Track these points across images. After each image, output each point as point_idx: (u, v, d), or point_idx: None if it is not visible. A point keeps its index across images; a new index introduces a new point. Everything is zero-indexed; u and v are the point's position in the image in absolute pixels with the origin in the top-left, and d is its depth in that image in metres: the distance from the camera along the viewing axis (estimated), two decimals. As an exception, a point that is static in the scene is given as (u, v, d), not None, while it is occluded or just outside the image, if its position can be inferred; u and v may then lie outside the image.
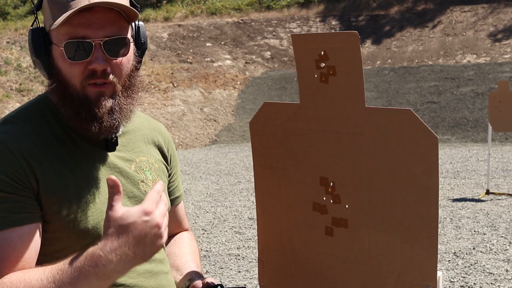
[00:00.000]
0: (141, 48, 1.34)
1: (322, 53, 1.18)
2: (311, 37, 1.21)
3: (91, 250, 1.07)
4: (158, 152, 1.47)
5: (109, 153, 1.32)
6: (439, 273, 1.12)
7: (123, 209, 1.07)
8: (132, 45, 1.30)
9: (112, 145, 1.32)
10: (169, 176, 1.51)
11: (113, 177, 1.06)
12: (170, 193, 1.52)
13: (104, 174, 1.29)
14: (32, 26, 1.29)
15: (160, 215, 1.08)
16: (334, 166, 1.24)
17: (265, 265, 1.42)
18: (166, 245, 1.54)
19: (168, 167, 1.50)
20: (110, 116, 1.25)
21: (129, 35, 1.28)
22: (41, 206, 1.22)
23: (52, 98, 1.30)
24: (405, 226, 1.13)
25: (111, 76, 1.24)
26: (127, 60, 1.27)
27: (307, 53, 1.22)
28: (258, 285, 1.43)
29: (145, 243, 1.06)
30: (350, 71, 1.16)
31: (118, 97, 1.26)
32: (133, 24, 1.33)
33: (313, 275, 1.32)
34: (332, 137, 1.23)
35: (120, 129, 1.33)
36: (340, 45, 1.15)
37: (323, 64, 1.19)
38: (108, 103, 1.24)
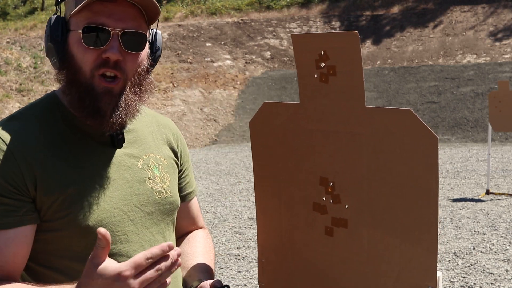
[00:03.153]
0: (155, 53, 1.37)
1: (322, 53, 1.18)
2: (311, 37, 1.21)
3: None
4: (168, 148, 1.47)
5: (116, 150, 1.33)
6: (438, 273, 1.12)
7: (104, 263, 1.02)
8: (147, 45, 1.31)
9: (118, 142, 1.32)
10: (180, 172, 1.50)
11: (103, 230, 1.01)
12: (181, 189, 1.51)
13: (110, 171, 1.30)
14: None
15: (138, 283, 1.01)
16: (334, 166, 1.24)
17: (265, 265, 1.42)
18: (179, 245, 1.53)
19: (179, 163, 1.49)
20: (113, 112, 1.25)
21: (147, 35, 1.30)
22: (40, 207, 1.22)
23: (60, 97, 1.31)
24: (405, 226, 1.13)
25: (121, 71, 1.25)
26: (140, 58, 1.29)
27: (307, 53, 1.22)
28: (258, 285, 1.43)
29: None
30: (350, 71, 1.16)
31: (125, 93, 1.27)
32: (151, 29, 1.36)
33: (313, 275, 1.32)
34: (332, 137, 1.23)
35: (127, 126, 1.35)
36: (340, 45, 1.15)
37: (323, 64, 1.19)
38: (114, 99, 1.25)
